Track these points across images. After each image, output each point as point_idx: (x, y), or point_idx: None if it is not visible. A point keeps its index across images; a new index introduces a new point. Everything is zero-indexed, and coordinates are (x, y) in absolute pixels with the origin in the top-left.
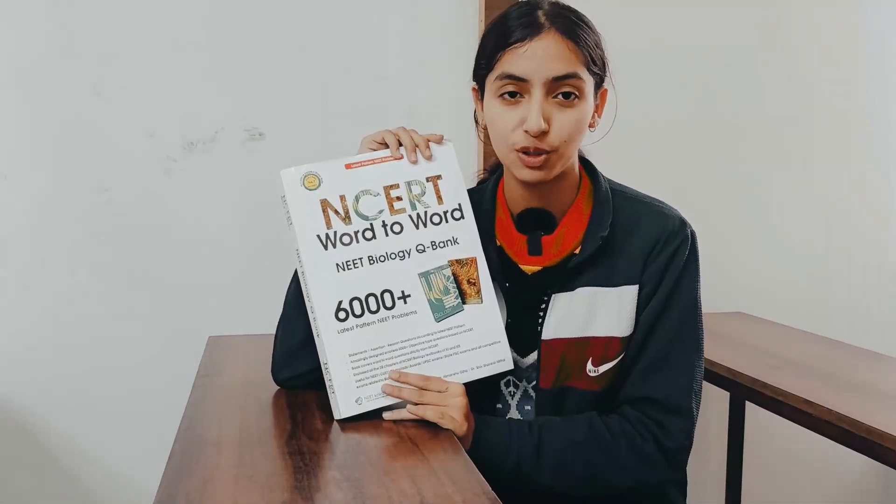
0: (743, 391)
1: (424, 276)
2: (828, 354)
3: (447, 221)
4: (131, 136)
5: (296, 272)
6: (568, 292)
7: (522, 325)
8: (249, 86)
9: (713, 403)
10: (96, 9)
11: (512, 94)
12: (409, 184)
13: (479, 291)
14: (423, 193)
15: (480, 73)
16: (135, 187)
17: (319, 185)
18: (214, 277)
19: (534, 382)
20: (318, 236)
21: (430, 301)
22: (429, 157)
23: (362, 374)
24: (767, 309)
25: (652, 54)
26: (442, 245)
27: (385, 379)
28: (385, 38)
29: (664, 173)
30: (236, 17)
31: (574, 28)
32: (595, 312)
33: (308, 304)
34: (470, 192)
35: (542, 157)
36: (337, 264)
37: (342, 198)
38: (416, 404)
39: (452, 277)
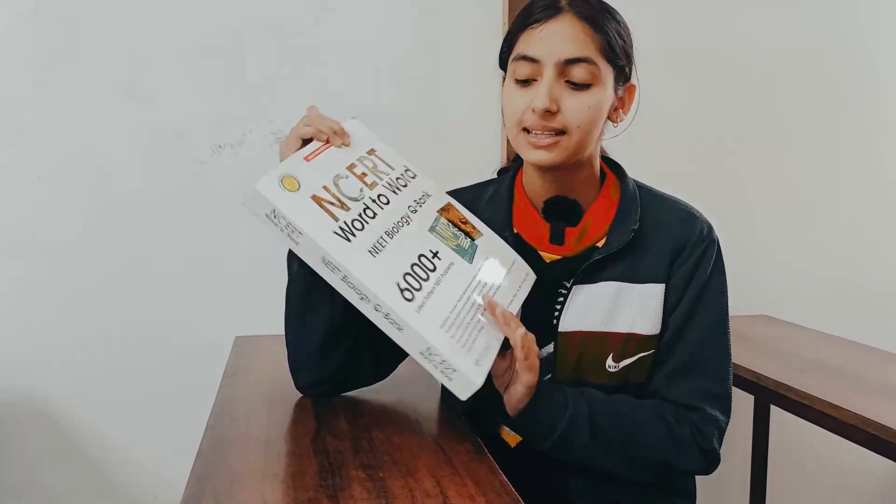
0: (768, 394)
1: (433, 230)
2: (853, 358)
3: (408, 182)
4: (161, 138)
5: (292, 272)
6: (590, 285)
7: (538, 315)
8: (276, 89)
9: (737, 407)
10: (128, 16)
11: (525, 81)
12: (360, 160)
13: (474, 227)
14: (375, 166)
15: (503, 57)
16: (164, 189)
17: (299, 185)
18: (241, 278)
19: (549, 375)
20: (336, 232)
21: (454, 249)
22: (348, 142)
23: (461, 337)
24: (793, 311)
25: (679, 55)
26: (421, 201)
27: (477, 330)
28: (412, 40)
29: (689, 174)
30: (264, 22)
31: (594, 13)
32: (617, 307)
33: (368, 306)
34: (487, 182)
35: (550, 139)
36: (368, 251)
37: (326, 188)
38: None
39: (449, 223)
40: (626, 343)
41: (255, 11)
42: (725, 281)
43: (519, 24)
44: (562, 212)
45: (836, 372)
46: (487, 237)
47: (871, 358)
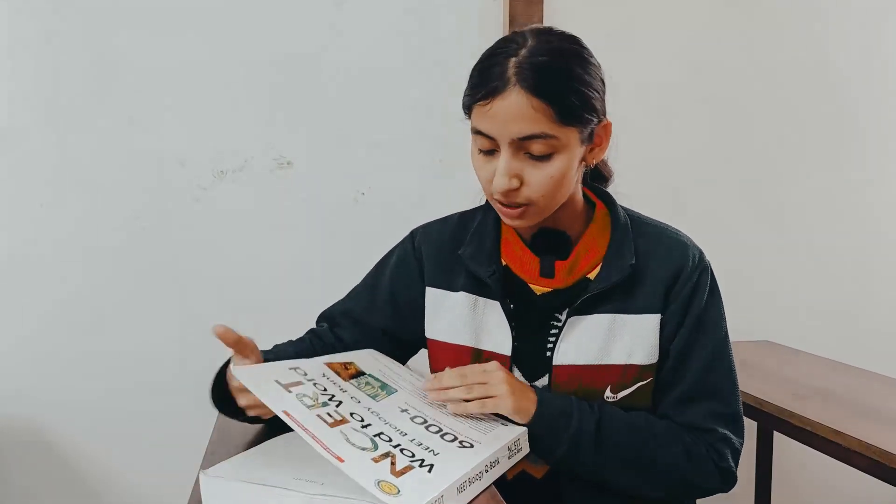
0: (771, 420)
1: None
2: (856, 384)
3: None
4: (163, 164)
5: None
6: (584, 316)
7: (530, 348)
8: (278, 115)
9: None
10: (132, 43)
11: (488, 152)
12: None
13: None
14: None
15: (465, 110)
16: (166, 215)
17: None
18: (243, 304)
19: None
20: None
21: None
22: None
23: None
24: (795, 337)
25: (682, 78)
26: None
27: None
28: (416, 70)
29: (693, 201)
30: (266, 51)
31: (543, 81)
32: (613, 339)
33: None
34: (473, 211)
35: (519, 209)
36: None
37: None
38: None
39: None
40: (623, 374)
41: (258, 41)
42: (722, 304)
43: (470, 93)
44: (551, 244)
45: (839, 398)
46: (365, 362)
47: (874, 384)
